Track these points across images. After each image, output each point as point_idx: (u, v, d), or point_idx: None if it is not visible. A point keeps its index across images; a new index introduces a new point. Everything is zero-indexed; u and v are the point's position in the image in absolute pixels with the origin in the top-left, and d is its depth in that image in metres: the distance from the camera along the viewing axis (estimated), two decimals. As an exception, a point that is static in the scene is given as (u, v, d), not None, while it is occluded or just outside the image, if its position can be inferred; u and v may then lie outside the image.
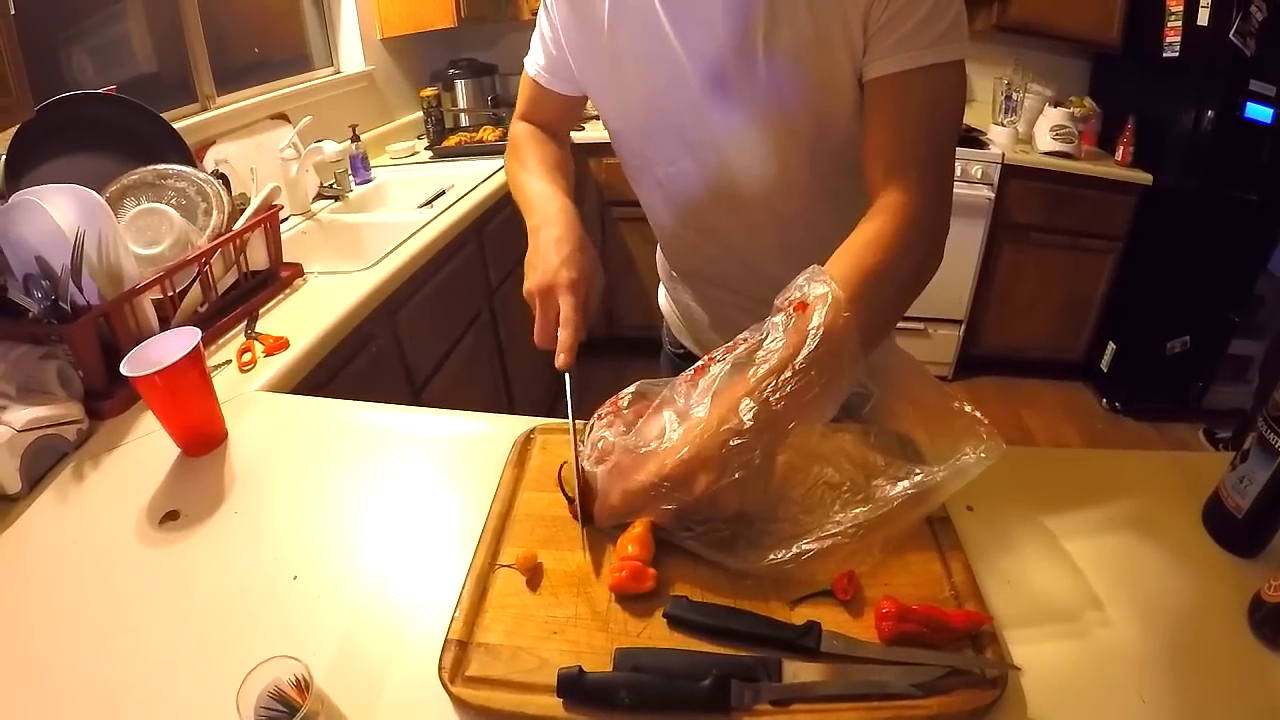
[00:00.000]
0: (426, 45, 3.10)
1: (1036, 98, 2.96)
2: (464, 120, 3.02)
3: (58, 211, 1.06)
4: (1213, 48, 2.43)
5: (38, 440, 0.94)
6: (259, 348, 1.27)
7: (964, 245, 2.89)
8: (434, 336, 1.95)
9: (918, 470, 0.71)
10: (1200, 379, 2.87)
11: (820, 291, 0.71)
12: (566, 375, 0.86)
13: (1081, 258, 2.97)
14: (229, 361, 1.23)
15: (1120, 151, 2.81)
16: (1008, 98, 2.95)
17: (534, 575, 0.71)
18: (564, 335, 0.84)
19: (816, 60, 0.82)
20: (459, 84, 3.00)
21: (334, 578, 0.76)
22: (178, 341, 0.94)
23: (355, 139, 2.44)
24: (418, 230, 1.91)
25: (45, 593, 0.78)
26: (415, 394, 1.83)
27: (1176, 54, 2.58)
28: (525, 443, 0.90)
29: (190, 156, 1.54)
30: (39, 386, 1.02)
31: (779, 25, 0.81)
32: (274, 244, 1.53)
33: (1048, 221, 2.90)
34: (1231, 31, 2.35)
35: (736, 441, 0.67)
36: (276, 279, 1.53)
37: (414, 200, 2.38)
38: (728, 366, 0.72)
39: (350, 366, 1.50)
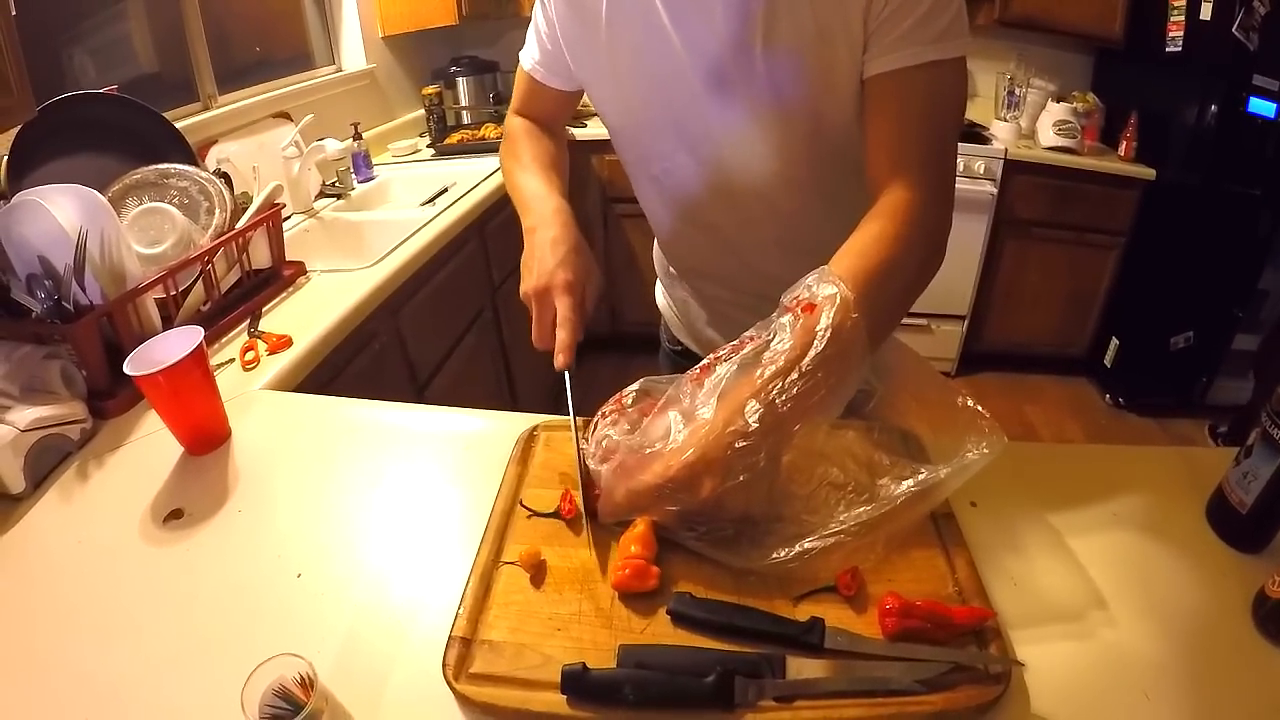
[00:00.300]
0: (428, 43, 3.10)
1: (1039, 93, 2.95)
2: (466, 118, 3.02)
3: (60, 211, 1.06)
4: (1216, 42, 2.42)
5: (41, 440, 0.94)
6: (262, 346, 1.27)
7: (967, 241, 2.89)
8: (437, 334, 1.95)
9: (922, 469, 0.70)
10: (1204, 374, 2.87)
11: (829, 292, 0.70)
12: (566, 374, 0.86)
13: (1084, 253, 2.96)
14: (232, 360, 1.23)
15: (1123, 147, 2.81)
16: (1010, 93, 2.94)
17: (538, 572, 0.71)
18: (562, 336, 0.84)
19: (816, 56, 0.81)
20: (461, 81, 2.99)
21: (338, 575, 0.76)
22: (181, 340, 0.95)
23: (357, 137, 2.44)
24: (420, 228, 1.91)
25: (50, 592, 0.78)
26: (418, 392, 1.83)
27: (1179, 49, 2.58)
28: (528, 440, 0.90)
29: (192, 156, 1.54)
30: (42, 386, 1.02)
31: (779, 20, 0.81)
32: (276, 242, 1.53)
33: (1051, 217, 2.90)
34: (1234, 26, 2.34)
35: (742, 444, 0.66)
36: (279, 277, 1.53)
37: (416, 198, 2.38)
38: (734, 367, 0.71)
39: (353, 365, 1.50)
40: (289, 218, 2.03)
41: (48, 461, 0.95)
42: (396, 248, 1.78)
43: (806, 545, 0.68)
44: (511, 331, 2.37)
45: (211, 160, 1.89)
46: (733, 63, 0.85)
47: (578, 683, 0.58)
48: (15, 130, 1.25)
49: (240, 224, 1.42)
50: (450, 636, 0.64)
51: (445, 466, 0.93)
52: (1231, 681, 0.62)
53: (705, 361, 0.74)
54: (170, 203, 1.36)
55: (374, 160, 2.54)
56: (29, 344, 1.05)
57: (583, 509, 0.77)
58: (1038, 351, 3.23)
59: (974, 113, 3.10)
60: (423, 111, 2.92)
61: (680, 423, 0.71)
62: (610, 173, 2.97)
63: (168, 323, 1.23)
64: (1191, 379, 2.89)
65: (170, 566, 0.79)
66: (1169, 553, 0.75)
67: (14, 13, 1.13)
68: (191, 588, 0.76)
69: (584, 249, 0.91)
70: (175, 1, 2.04)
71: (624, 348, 3.11)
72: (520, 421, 0.95)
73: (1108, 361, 3.07)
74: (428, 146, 2.86)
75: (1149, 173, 2.74)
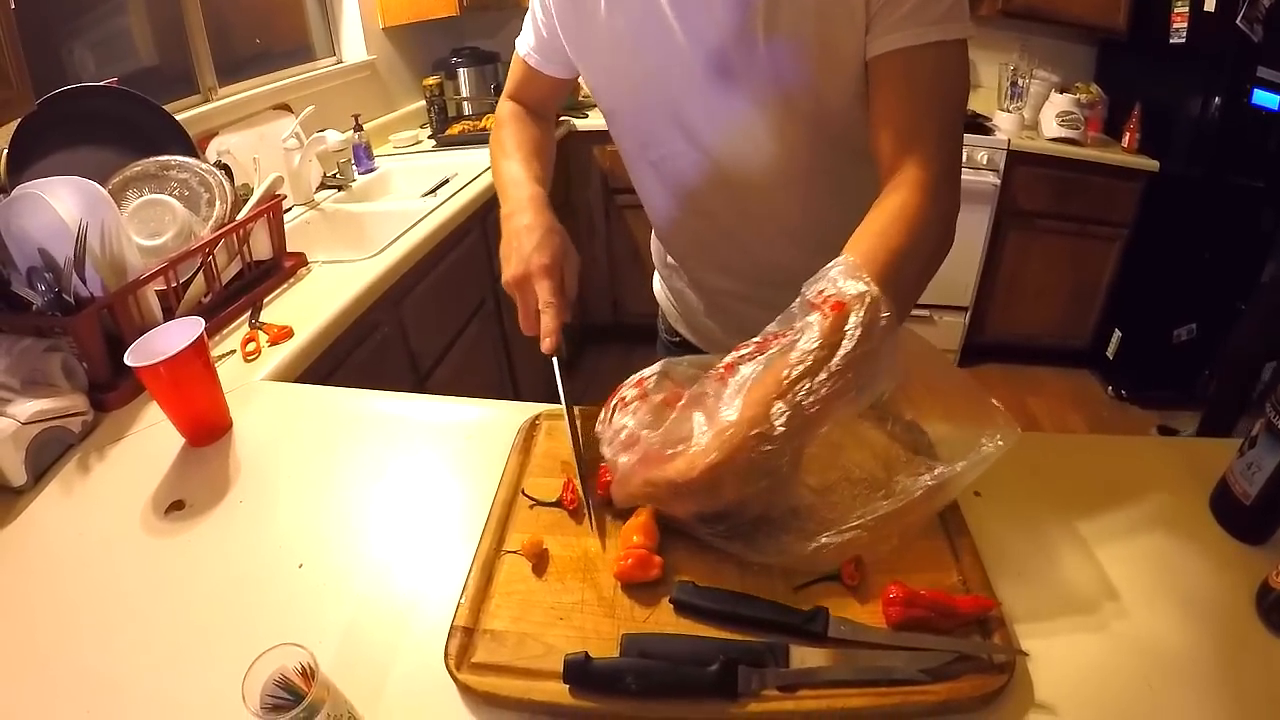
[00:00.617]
0: (428, 34, 3.09)
1: (1042, 84, 2.94)
2: (467, 109, 3.02)
3: (60, 204, 1.06)
4: (1220, 34, 2.40)
5: (43, 433, 0.94)
6: (263, 337, 1.27)
7: (970, 232, 2.88)
8: (438, 325, 1.95)
9: (939, 464, 0.70)
10: (1207, 367, 2.86)
11: (858, 290, 0.67)
12: (555, 359, 0.86)
13: (1087, 245, 2.95)
14: (233, 351, 1.23)
15: (1126, 138, 2.80)
16: (1013, 84, 2.93)
17: (540, 561, 0.71)
18: (546, 319, 0.85)
19: (818, 39, 0.81)
20: (461, 72, 2.99)
21: (339, 566, 0.76)
22: (181, 332, 0.94)
23: (358, 128, 2.43)
24: (421, 219, 1.91)
25: (51, 584, 0.78)
26: (420, 382, 1.83)
27: (1183, 40, 2.56)
28: (530, 429, 0.90)
29: (193, 147, 1.54)
30: (43, 379, 1.02)
31: (781, 7, 0.80)
32: (277, 234, 1.53)
33: (1053, 208, 2.89)
34: (1239, 17, 2.33)
35: (767, 448, 0.64)
36: (280, 269, 1.53)
37: (417, 189, 2.37)
38: (759, 367, 0.69)
39: (355, 355, 1.50)
40: (290, 209, 2.03)
41: (49, 454, 0.95)
42: (398, 239, 1.77)
43: (823, 541, 0.67)
44: (513, 322, 2.32)
45: (212, 152, 1.89)
46: (735, 52, 0.84)
47: (580, 672, 0.58)
48: (15, 123, 1.25)
49: (241, 215, 1.42)
50: (452, 626, 0.64)
51: (447, 456, 0.92)
52: (1235, 672, 0.62)
53: (729, 359, 0.72)
54: (171, 195, 1.36)
55: (375, 151, 2.54)
56: (30, 337, 1.05)
57: (583, 497, 0.77)
58: (1040, 343, 3.23)
59: (977, 103, 3.08)
60: (424, 103, 2.91)
61: (704, 425, 0.68)
62: (612, 164, 2.96)
63: (169, 314, 1.22)
64: (1194, 372, 2.88)
65: (171, 558, 0.79)
66: (1173, 544, 0.75)
67: (13, 6, 1.12)
68: (193, 579, 0.76)
69: (558, 230, 0.90)
70: (175, -7, 2.03)
71: (626, 338, 3.11)
72: (522, 411, 0.95)
73: (1110, 353, 3.07)
74: (429, 138, 2.85)
75: (1152, 164, 2.73)
